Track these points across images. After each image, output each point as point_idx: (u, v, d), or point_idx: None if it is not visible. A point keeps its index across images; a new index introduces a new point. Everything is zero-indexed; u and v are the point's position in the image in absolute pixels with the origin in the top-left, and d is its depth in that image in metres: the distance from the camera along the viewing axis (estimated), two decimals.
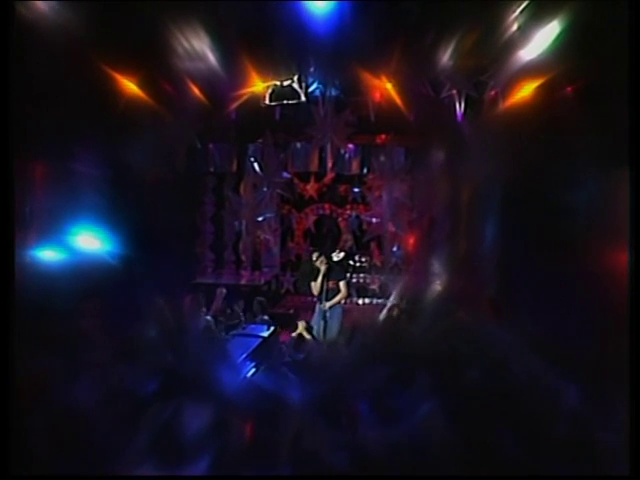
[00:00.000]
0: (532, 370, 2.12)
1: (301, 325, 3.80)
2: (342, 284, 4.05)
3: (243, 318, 4.43)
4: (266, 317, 4.22)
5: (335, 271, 4.04)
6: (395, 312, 4.17)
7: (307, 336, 3.69)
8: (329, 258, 4.13)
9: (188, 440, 2.02)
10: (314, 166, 5.23)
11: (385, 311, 4.24)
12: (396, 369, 2.46)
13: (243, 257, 5.57)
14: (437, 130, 4.05)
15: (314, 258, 3.99)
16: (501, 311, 2.64)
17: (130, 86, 3.03)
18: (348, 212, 5.84)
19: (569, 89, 2.47)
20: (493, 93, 3.31)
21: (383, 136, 5.09)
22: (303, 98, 4.02)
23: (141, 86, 3.11)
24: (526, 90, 2.83)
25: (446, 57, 3.17)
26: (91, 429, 1.94)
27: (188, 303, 3.97)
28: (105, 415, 2.00)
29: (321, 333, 3.87)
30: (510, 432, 1.94)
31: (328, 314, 3.90)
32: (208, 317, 3.94)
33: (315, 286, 3.99)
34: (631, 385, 1.71)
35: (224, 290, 4.43)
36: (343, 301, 4.14)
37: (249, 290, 5.13)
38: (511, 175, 2.88)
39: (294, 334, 3.77)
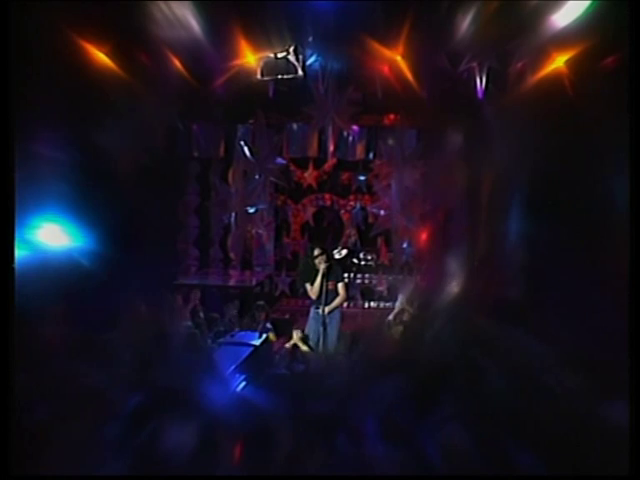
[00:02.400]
0: (562, 383, 2.11)
1: (296, 335, 3.79)
2: (340, 286, 4.03)
3: (232, 324, 4.43)
4: (269, 325, 4.21)
5: (334, 271, 4.02)
6: (405, 317, 4.17)
7: (303, 347, 3.69)
8: (330, 256, 4.10)
9: (170, 461, 2.02)
10: (313, 151, 5.20)
11: (393, 316, 4.24)
12: (406, 382, 2.45)
13: (232, 254, 5.55)
14: (454, 109, 4.00)
15: (315, 254, 3.95)
16: (526, 317, 2.62)
17: (100, 57, 2.98)
18: (352, 203, 5.83)
19: (609, 62, 2.42)
20: (520, 66, 3.25)
21: (392, 116, 5.06)
22: (300, 72, 3.96)
23: (113, 57, 3.06)
24: (558, 62, 2.77)
25: (465, 24, 3.11)
26: (62, 454, 1.93)
27: (169, 307, 3.95)
28: (78, 435, 2.00)
29: (320, 341, 3.87)
30: (536, 452, 1.95)
31: (327, 319, 3.89)
32: (191, 323, 3.93)
33: (313, 288, 3.97)
34: (631, 385, 1.78)
35: (198, 293, 4.43)
36: (344, 305, 4.14)
37: (239, 292, 5.13)
38: (539, 162, 2.84)
39: (288, 345, 3.76)
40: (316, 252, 3.97)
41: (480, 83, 3.64)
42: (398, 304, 4.37)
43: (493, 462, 1.97)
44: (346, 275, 4.72)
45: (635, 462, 1.71)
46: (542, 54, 2.90)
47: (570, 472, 1.91)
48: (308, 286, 4.03)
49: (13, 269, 2.04)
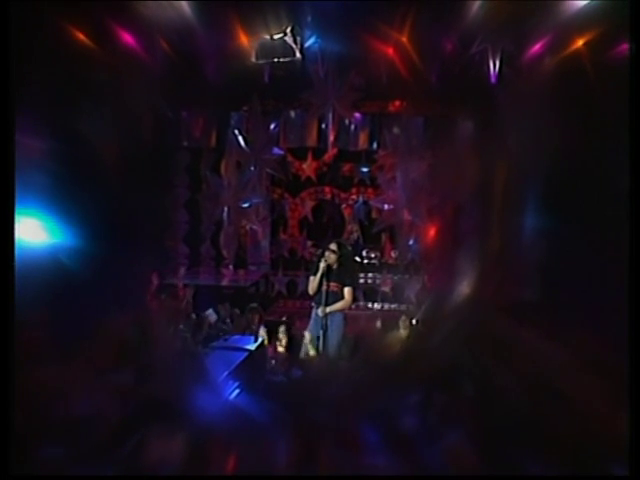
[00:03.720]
0: (582, 393, 2.09)
1: (308, 336, 3.76)
2: (347, 290, 3.94)
3: (226, 326, 4.43)
4: (263, 330, 4.20)
5: (338, 273, 3.94)
6: (411, 320, 4.16)
7: (311, 351, 3.67)
8: (343, 255, 3.99)
9: (159, 474, 2.01)
10: (312, 140, 5.17)
11: (399, 319, 4.23)
12: (412, 390, 2.44)
13: (224, 252, 5.53)
14: (464, 95, 3.97)
15: (332, 247, 3.87)
16: (542, 319, 2.60)
17: (80, 37, 2.94)
18: (354, 197, 5.82)
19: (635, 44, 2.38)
20: (537, 47, 3.21)
21: (397, 103, 5.03)
22: (298, 55, 3.93)
23: (95, 37, 3.02)
24: (579, 44, 2.73)
25: (477, 1, 3.08)
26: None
27: (157, 309, 3.94)
28: (58, 449, 1.98)
29: (320, 345, 3.85)
30: (554, 469, 1.94)
31: (328, 322, 3.87)
32: (181, 326, 3.92)
33: (311, 284, 3.92)
34: (631, 385, 1.82)
35: (189, 293, 4.41)
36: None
37: (232, 293, 5.11)
38: (557, 152, 2.81)
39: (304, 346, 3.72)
40: (332, 246, 3.87)
41: (493, 67, 3.61)
42: (405, 306, 4.33)
43: (501, 471, 1.98)
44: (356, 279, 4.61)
45: (635, 462, 1.74)
46: (561, 35, 2.86)
47: (570, 472, 1.92)
48: (311, 278, 3.97)
49: (13, 267, 2.03)
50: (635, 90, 1.98)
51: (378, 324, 4.72)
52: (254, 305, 4.53)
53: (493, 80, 3.65)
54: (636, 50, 2.02)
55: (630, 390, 1.85)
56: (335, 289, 3.91)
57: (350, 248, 4.11)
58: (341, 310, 3.97)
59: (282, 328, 4.17)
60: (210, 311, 4.40)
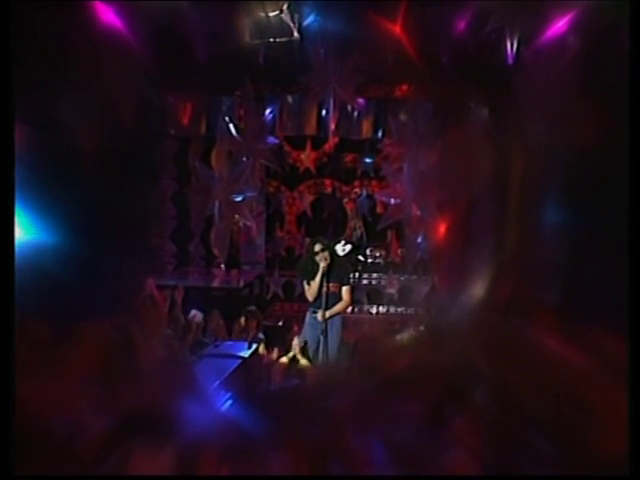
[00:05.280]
0: (610, 405, 2.09)
1: (296, 345, 3.78)
2: (345, 290, 4.00)
3: (217, 332, 4.43)
4: (261, 335, 4.21)
5: (337, 271, 3.99)
6: (420, 325, 4.17)
7: (302, 360, 3.69)
8: (334, 253, 4.06)
9: (158, 476, 2.02)
10: (311, 128, 5.17)
11: (406, 324, 4.24)
12: (420, 402, 2.45)
13: (215, 250, 5.53)
14: (478, 78, 3.96)
15: (316, 250, 3.92)
16: (566, 325, 2.60)
17: (55, 14, 2.92)
18: (357, 190, 5.82)
19: None
20: (559, 26, 3.20)
21: (404, 87, 5.02)
22: (296, 34, 3.92)
23: (72, 15, 3.00)
24: (607, 21, 2.71)
25: None
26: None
27: (141, 313, 3.94)
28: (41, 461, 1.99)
29: (320, 352, 3.86)
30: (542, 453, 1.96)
31: (328, 326, 3.88)
32: (168, 331, 3.93)
33: (310, 288, 3.95)
34: (631, 384, 1.86)
35: (177, 296, 4.43)
36: (348, 309, 4.13)
37: (224, 295, 5.12)
38: (580, 141, 2.80)
39: (286, 358, 3.76)
40: (317, 248, 3.93)
41: (510, 47, 3.60)
42: (413, 309, 4.35)
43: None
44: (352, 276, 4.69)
45: (635, 462, 1.79)
46: (585, 12, 2.84)
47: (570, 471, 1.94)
48: (306, 286, 4.01)
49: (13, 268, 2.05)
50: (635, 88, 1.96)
51: (383, 329, 4.73)
52: (252, 308, 4.53)
53: (510, 61, 3.64)
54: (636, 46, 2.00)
55: (630, 390, 1.87)
56: (334, 290, 3.94)
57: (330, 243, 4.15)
58: (341, 312, 4.00)
59: (278, 334, 4.18)
60: (194, 311, 4.41)
